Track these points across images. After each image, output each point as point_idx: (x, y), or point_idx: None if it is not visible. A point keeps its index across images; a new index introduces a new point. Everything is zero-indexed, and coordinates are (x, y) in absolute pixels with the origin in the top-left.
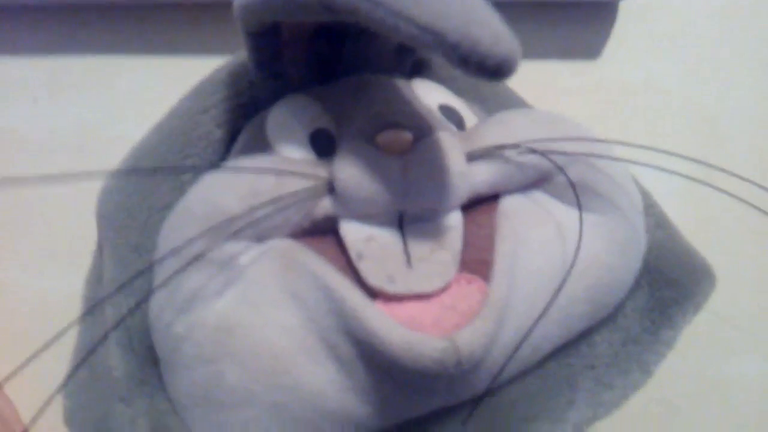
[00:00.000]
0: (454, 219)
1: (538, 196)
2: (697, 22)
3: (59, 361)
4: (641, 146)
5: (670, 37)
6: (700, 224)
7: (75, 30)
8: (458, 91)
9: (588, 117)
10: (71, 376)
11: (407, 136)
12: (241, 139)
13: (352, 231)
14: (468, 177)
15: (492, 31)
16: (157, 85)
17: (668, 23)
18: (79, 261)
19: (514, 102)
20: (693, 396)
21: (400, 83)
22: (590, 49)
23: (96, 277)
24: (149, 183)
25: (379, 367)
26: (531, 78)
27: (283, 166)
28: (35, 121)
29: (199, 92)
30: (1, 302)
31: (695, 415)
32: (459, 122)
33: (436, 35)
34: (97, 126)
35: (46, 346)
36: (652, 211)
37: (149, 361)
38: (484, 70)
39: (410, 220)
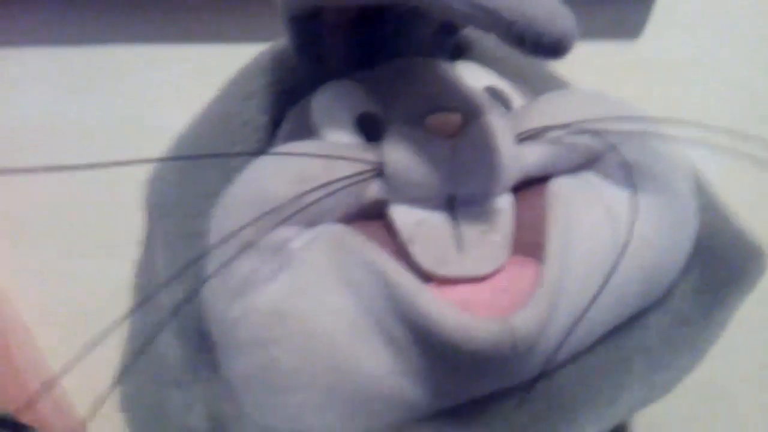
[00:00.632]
0: (505, 201)
1: (588, 177)
2: None
3: (108, 346)
4: (691, 123)
5: (711, 12)
6: (751, 203)
7: (112, 20)
8: (501, 74)
9: (630, 96)
10: (128, 368)
11: (456, 118)
12: (286, 125)
13: (402, 215)
14: (518, 159)
15: (548, 8)
16: (194, 74)
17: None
18: (125, 247)
19: (558, 83)
20: (743, 378)
21: (445, 65)
22: (631, 28)
23: (146, 264)
24: (196, 170)
25: (433, 350)
26: (572, 58)
27: (331, 151)
28: (79, 111)
29: (242, 79)
30: (48, 287)
31: (745, 397)
32: (506, 103)
33: (490, 13)
34: (135, 116)
35: (102, 337)
36: (703, 191)
37: (203, 346)
38: (541, 49)
39: (460, 203)
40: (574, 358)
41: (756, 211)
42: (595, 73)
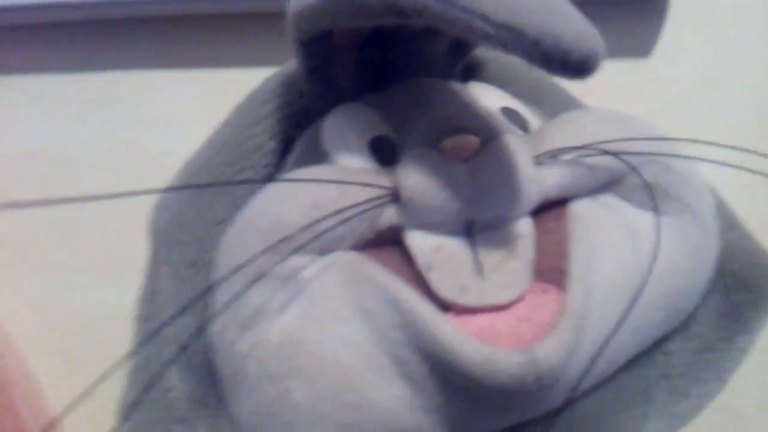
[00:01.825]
0: (525, 226)
1: (608, 199)
2: (750, 14)
3: (109, 381)
4: (711, 143)
5: (722, 31)
6: None
7: (121, 45)
8: (514, 94)
9: (641, 116)
10: (134, 406)
11: (474, 140)
12: (296, 150)
13: (419, 241)
14: (538, 181)
15: (574, 26)
16: (205, 98)
17: (720, 17)
18: (126, 276)
19: (571, 104)
20: (758, 405)
21: (459, 87)
22: (641, 47)
23: (149, 294)
24: (204, 197)
25: (452, 384)
26: None
27: (345, 176)
28: (82, 138)
29: (250, 103)
30: (47, 318)
31: (760, 424)
32: (523, 125)
33: (514, 32)
34: (145, 141)
35: (106, 376)
36: (722, 212)
37: (209, 381)
38: (568, 67)
39: (479, 228)
40: (596, 387)
41: None
42: (605, 93)
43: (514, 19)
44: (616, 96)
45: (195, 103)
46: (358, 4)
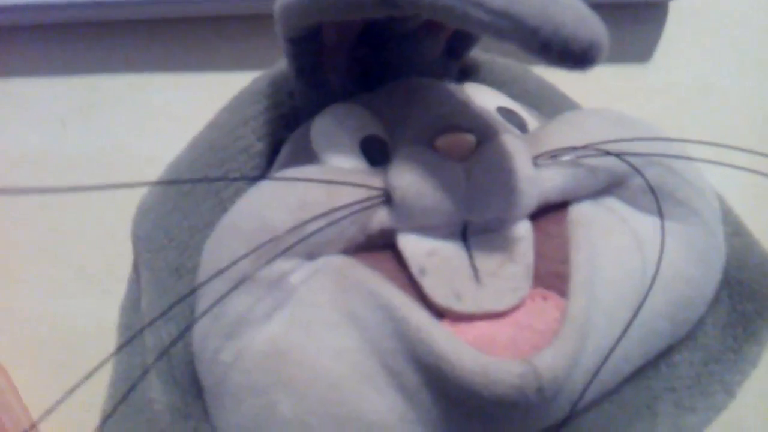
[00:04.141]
0: (524, 229)
1: (611, 203)
2: (750, 19)
3: (92, 393)
4: (718, 144)
5: (722, 36)
6: None
7: (104, 48)
8: (511, 97)
9: None
10: (111, 414)
11: (470, 138)
12: (285, 151)
13: (412, 244)
14: (537, 182)
15: (575, 13)
16: (189, 102)
17: (720, 22)
18: (110, 285)
19: (570, 107)
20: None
21: (454, 86)
22: (641, 52)
23: (132, 302)
24: (188, 201)
25: (448, 396)
26: (580, 83)
27: (334, 176)
28: (65, 142)
29: (238, 104)
30: (28, 329)
31: None
32: (521, 125)
33: (512, 20)
34: (128, 145)
35: (84, 380)
36: (728, 218)
37: (192, 392)
38: (568, 57)
39: (475, 231)
40: (600, 400)
41: None
42: (604, 99)
43: (513, 7)
44: (615, 101)
45: (181, 107)
46: None
